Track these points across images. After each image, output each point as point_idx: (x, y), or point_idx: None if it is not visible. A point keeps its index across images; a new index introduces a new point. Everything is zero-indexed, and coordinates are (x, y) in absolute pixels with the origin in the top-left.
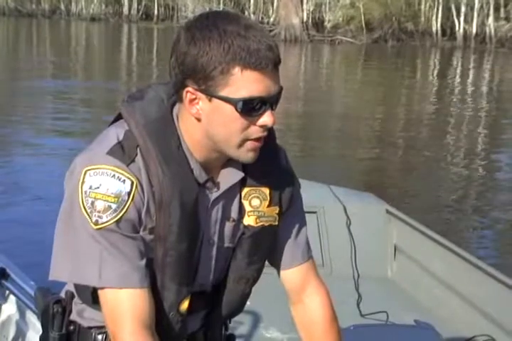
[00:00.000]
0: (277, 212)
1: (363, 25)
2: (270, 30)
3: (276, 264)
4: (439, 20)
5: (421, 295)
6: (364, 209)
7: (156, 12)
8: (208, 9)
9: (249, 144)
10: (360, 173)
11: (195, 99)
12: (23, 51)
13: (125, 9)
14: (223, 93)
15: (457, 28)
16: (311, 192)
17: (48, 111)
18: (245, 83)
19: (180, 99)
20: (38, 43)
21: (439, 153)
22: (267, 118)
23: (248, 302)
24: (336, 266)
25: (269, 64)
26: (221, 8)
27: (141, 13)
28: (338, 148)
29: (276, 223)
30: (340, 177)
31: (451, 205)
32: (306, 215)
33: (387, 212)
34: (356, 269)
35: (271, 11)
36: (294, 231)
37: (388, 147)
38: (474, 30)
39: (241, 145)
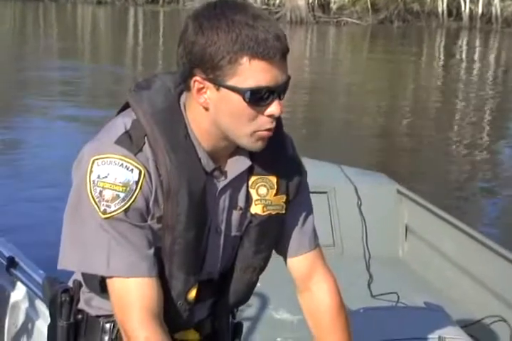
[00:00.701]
0: (284, 200)
1: (369, 6)
2: (276, 12)
3: (283, 252)
4: (445, 0)
5: (432, 276)
6: (375, 190)
7: None
8: None
9: (258, 134)
10: (368, 153)
11: (202, 88)
12: (30, 34)
13: None
14: (231, 82)
15: (463, 9)
16: (321, 172)
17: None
18: (253, 73)
19: (187, 88)
20: (44, 27)
21: (446, 134)
22: (274, 108)
23: (258, 284)
24: (346, 246)
25: (277, 53)
26: None
27: None
28: (344, 125)
29: (284, 211)
30: (348, 155)
31: (459, 184)
32: (317, 195)
33: (399, 192)
34: (367, 250)
35: None
36: (301, 219)
37: (395, 127)
38: (480, 11)
39: (251, 135)
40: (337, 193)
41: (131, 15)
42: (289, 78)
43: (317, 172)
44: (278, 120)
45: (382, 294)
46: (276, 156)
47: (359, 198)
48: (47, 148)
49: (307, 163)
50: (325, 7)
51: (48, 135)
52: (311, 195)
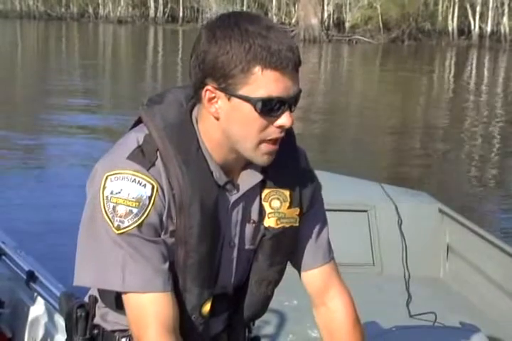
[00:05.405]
0: (298, 213)
1: (381, 26)
2: (291, 31)
3: (298, 266)
4: (455, 19)
5: (472, 297)
6: (416, 208)
7: (181, 14)
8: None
9: (265, 147)
10: (382, 171)
11: (214, 97)
12: (53, 52)
13: (151, 12)
14: (242, 92)
15: (473, 27)
16: (362, 191)
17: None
18: (265, 82)
19: (199, 99)
20: (67, 45)
21: (458, 154)
22: (285, 119)
23: (295, 301)
24: (386, 265)
25: (290, 64)
26: (244, 10)
27: (167, 15)
28: (357, 144)
29: (297, 224)
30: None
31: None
32: (357, 214)
33: (440, 211)
34: (407, 269)
35: (293, 12)
36: (315, 232)
37: (407, 144)
38: (489, 29)
39: (257, 146)
40: (377, 212)
41: (151, 34)
42: (300, 91)
43: (357, 190)
44: (291, 134)
45: (420, 314)
46: (289, 169)
47: (400, 217)
48: (71, 158)
49: (347, 181)
50: (340, 26)
51: (73, 145)
52: (351, 213)
